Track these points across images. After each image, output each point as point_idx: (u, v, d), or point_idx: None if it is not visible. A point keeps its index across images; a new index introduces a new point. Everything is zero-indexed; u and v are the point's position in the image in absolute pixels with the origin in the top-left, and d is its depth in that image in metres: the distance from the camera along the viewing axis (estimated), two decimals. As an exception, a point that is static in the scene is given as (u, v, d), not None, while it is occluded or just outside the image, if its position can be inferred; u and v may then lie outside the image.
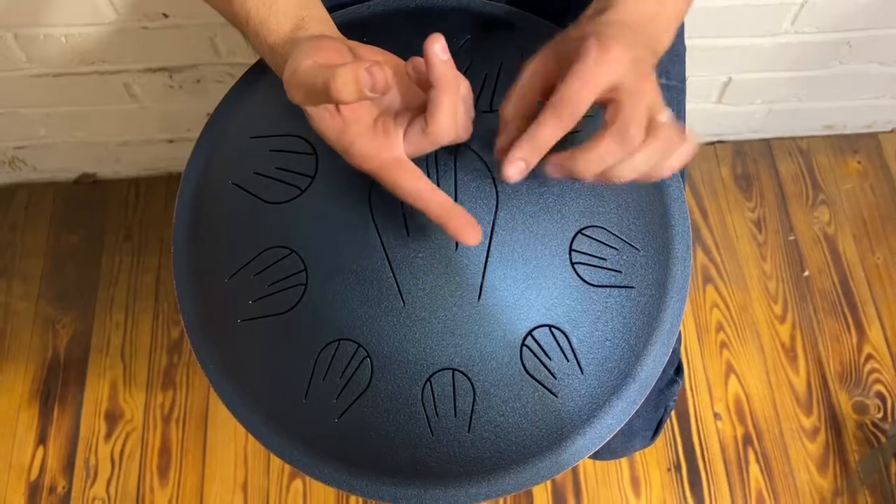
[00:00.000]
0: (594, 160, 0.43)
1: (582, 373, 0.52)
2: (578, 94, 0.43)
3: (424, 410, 0.50)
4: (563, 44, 0.47)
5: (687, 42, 0.76)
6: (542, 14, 0.62)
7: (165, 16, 0.98)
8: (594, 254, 0.53)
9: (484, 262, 0.51)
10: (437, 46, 0.42)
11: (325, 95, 0.42)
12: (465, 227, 0.45)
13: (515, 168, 0.45)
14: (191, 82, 1.11)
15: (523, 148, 0.44)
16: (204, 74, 1.10)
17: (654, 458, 1.12)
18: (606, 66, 0.43)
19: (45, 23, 0.99)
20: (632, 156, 0.44)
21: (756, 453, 1.12)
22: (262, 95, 0.59)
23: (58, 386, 1.17)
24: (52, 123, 1.19)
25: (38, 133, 1.21)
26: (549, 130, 0.44)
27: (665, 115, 0.44)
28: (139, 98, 1.14)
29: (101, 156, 1.28)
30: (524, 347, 0.51)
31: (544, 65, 0.47)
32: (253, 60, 0.62)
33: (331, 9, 0.62)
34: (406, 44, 0.58)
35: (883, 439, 1.13)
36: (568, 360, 0.52)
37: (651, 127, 0.44)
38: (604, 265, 0.53)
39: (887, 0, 1.05)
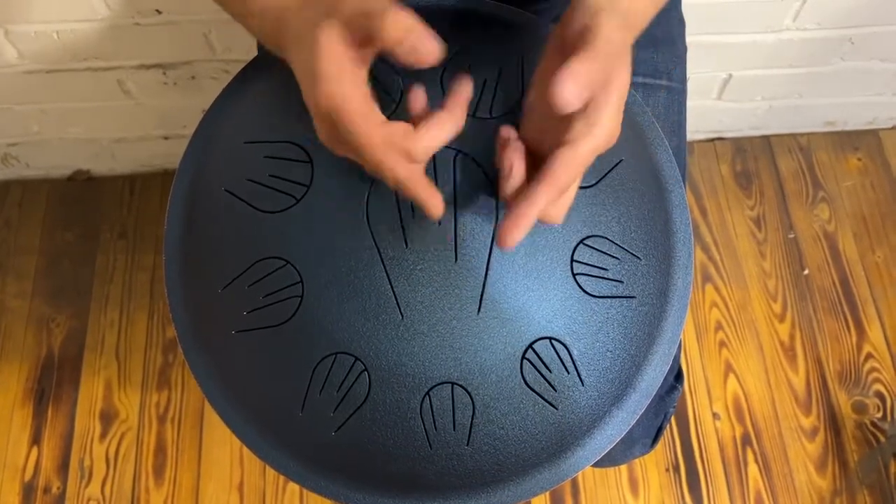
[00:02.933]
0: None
1: (582, 385, 0.51)
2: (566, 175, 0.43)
3: (423, 424, 0.50)
4: (565, 37, 0.45)
5: (688, 39, 0.75)
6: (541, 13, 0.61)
7: (158, 12, 0.97)
8: (596, 264, 0.52)
9: (484, 274, 0.50)
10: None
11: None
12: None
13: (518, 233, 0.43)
14: (185, 79, 1.10)
15: (521, 223, 0.43)
16: (198, 71, 1.08)
17: (653, 458, 1.11)
18: (593, 142, 0.43)
19: (36, 19, 0.97)
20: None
21: (755, 453, 1.12)
22: (257, 97, 0.58)
23: (52, 385, 1.16)
24: (45, 120, 1.18)
25: (32, 130, 1.20)
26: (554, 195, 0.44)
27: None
28: (133, 95, 1.13)
29: (96, 152, 1.26)
30: (524, 360, 0.50)
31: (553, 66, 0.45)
32: (248, 57, 0.61)
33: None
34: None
35: (882, 439, 1.13)
36: (569, 373, 0.51)
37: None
38: (605, 275, 0.52)
39: (890, -3, 1.05)
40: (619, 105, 0.44)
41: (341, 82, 0.42)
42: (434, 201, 0.45)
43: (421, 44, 0.41)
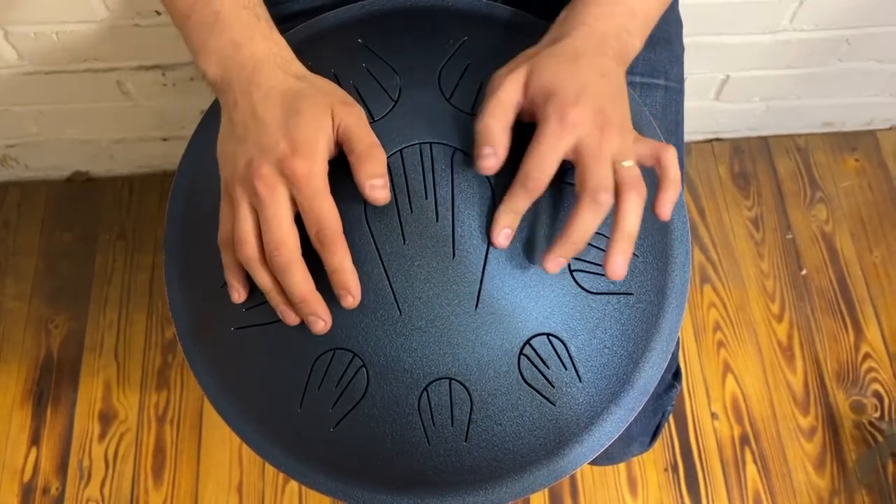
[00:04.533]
0: (579, 234, 0.48)
1: (580, 381, 0.51)
2: (541, 168, 0.48)
3: (421, 420, 0.50)
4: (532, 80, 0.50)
5: (685, 39, 0.76)
6: (540, 14, 0.61)
7: (158, 13, 0.97)
8: (593, 261, 0.52)
9: (481, 270, 0.50)
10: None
11: None
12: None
13: (503, 236, 0.50)
14: (184, 80, 1.10)
15: (504, 218, 0.49)
16: (197, 72, 1.09)
17: (651, 458, 1.11)
18: (565, 134, 0.47)
19: (36, 20, 0.97)
20: (620, 219, 0.48)
21: (753, 453, 1.12)
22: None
23: (51, 386, 1.16)
24: (44, 121, 1.18)
25: (31, 131, 1.20)
26: (521, 201, 0.49)
27: (628, 161, 0.48)
28: (132, 96, 1.13)
29: (95, 154, 1.27)
30: (522, 356, 0.50)
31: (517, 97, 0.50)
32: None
33: (326, 8, 0.61)
34: (401, 44, 0.57)
35: (880, 438, 1.13)
36: (566, 369, 0.51)
37: (619, 178, 0.48)
38: (602, 272, 0.52)
39: (886, -2, 1.05)
40: (571, 99, 0.48)
41: (324, 162, 0.47)
42: (356, 294, 0.48)
43: (377, 192, 0.48)
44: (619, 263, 0.48)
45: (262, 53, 0.51)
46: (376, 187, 0.48)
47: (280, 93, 0.49)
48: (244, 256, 0.48)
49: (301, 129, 0.47)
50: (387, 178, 0.49)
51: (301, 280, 0.47)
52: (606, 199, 0.47)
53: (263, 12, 0.53)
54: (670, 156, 0.49)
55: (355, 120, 0.49)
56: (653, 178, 0.50)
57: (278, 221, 0.47)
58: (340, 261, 0.47)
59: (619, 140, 0.49)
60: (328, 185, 0.47)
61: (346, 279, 0.47)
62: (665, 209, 0.49)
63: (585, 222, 0.47)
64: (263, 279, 0.49)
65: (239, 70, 0.50)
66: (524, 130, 0.50)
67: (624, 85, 0.52)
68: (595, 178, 0.47)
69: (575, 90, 0.48)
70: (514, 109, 0.50)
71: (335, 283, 0.48)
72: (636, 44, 0.54)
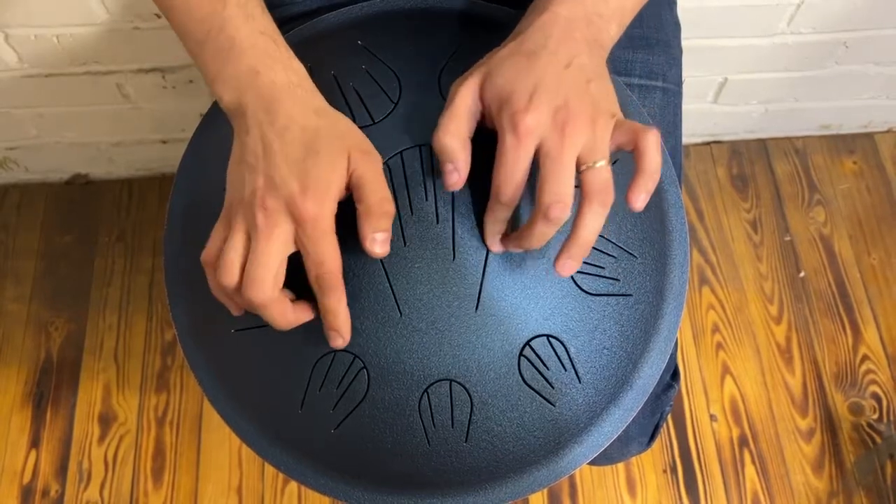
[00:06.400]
0: (533, 242, 0.48)
1: (580, 382, 0.52)
2: (510, 181, 0.46)
3: (421, 421, 0.50)
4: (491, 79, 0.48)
5: (683, 42, 0.76)
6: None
7: (158, 16, 0.98)
8: (592, 262, 0.52)
9: (482, 271, 0.50)
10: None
11: None
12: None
13: (498, 245, 0.51)
14: (184, 83, 1.10)
15: (492, 227, 0.50)
16: (197, 75, 1.09)
17: (650, 459, 1.12)
18: (522, 144, 0.46)
19: (36, 23, 0.98)
20: (577, 226, 0.46)
21: (752, 455, 1.12)
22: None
23: (50, 388, 1.16)
24: (43, 124, 1.18)
25: (30, 133, 1.20)
26: (501, 213, 0.49)
27: (600, 162, 0.46)
28: (132, 98, 1.13)
29: (94, 156, 1.27)
30: (522, 358, 0.51)
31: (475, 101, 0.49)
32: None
33: (328, 9, 0.61)
34: (402, 46, 0.57)
35: (878, 440, 1.13)
36: (566, 370, 0.51)
37: (585, 183, 0.46)
38: (602, 273, 0.52)
39: (884, 0, 1.05)
40: (523, 105, 0.46)
41: (333, 205, 0.46)
42: (346, 336, 0.48)
43: (377, 247, 0.47)
44: (565, 266, 0.47)
45: (282, 83, 0.48)
46: (377, 241, 0.47)
47: (300, 128, 0.47)
48: (223, 282, 0.47)
49: (315, 170, 0.46)
50: (390, 233, 0.48)
51: (278, 316, 0.47)
52: (558, 215, 0.45)
53: (281, 39, 0.51)
54: (649, 142, 0.46)
55: (370, 169, 0.47)
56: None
57: (267, 258, 0.45)
58: (336, 304, 0.47)
59: (586, 135, 0.46)
60: (334, 229, 0.46)
61: (338, 323, 0.47)
62: (636, 200, 0.46)
63: (539, 234, 0.47)
64: (236, 310, 0.49)
65: (256, 98, 0.48)
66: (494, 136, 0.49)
67: (601, 69, 0.49)
68: (548, 193, 0.45)
69: (527, 92, 0.46)
70: (469, 119, 0.48)
71: (327, 324, 0.48)
72: (612, 29, 0.51)
